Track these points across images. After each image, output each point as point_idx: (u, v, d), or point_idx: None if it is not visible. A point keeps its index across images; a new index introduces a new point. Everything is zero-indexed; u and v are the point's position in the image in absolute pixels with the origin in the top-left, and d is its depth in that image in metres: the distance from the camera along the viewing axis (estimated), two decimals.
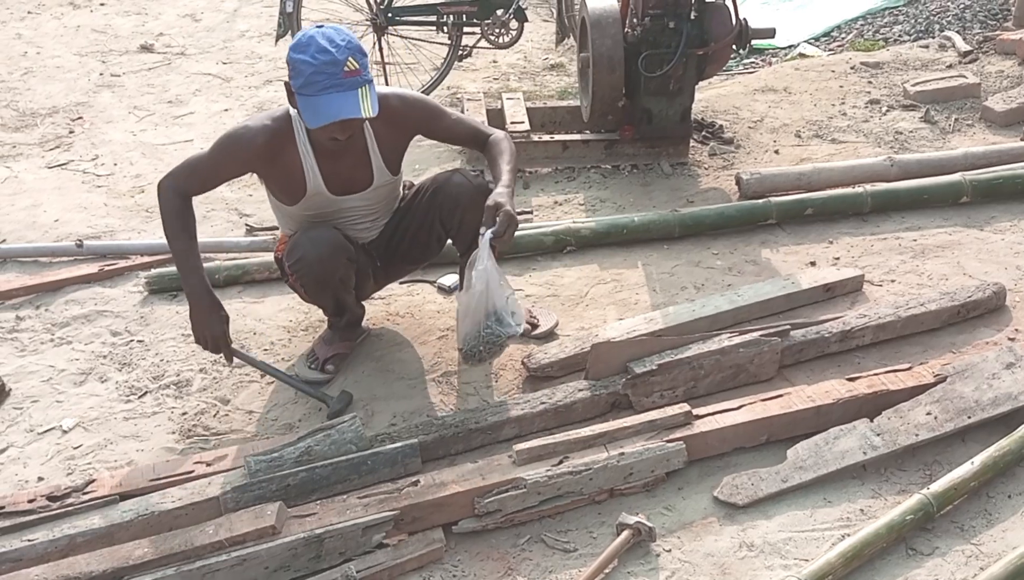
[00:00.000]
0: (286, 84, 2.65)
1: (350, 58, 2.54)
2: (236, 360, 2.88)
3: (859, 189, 3.89)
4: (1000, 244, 3.61)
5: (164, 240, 3.69)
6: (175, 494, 2.45)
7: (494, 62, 6.34)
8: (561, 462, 2.47)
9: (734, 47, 4.26)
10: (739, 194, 4.11)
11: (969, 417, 2.60)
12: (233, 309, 3.37)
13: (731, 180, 4.26)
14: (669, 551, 2.35)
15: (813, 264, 3.56)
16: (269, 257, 3.61)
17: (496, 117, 4.75)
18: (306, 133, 2.75)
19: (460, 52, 5.75)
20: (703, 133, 4.72)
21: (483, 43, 5.76)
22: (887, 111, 4.91)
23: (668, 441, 2.52)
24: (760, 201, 3.85)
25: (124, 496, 2.48)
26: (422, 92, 5.74)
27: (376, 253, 3.05)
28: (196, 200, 2.75)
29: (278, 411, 2.89)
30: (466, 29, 5.72)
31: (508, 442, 2.69)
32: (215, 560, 2.21)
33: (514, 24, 5.78)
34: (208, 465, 2.58)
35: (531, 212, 4.06)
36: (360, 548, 2.30)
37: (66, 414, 2.90)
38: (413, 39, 5.78)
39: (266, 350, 3.17)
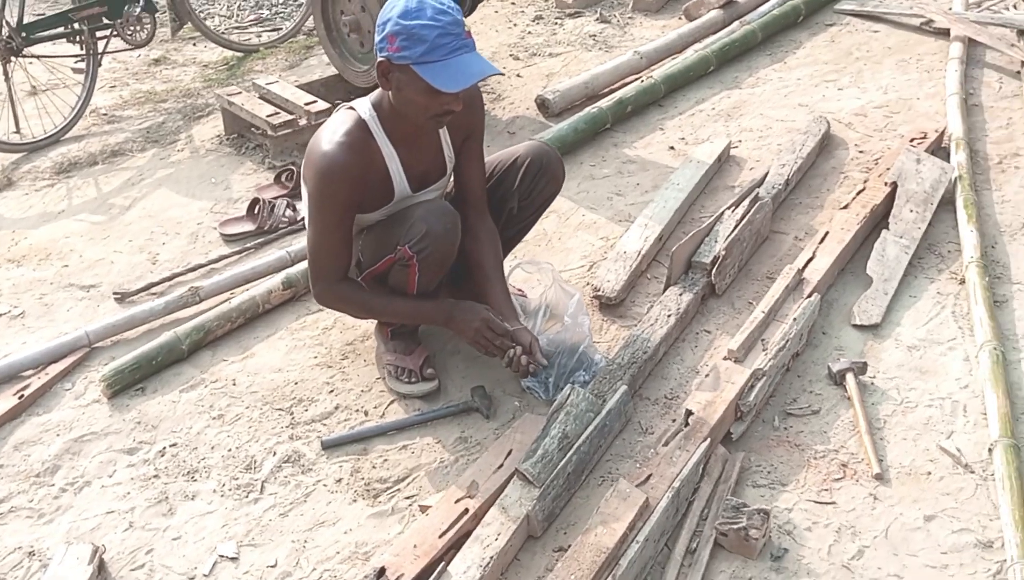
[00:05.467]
0: (380, 64, 2.33)
1: (464, 20, 2.34)
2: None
3: (652, 77, 4.39)
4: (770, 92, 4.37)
5: (49, 343, 2.97)
6: (488, 542, 2.16)
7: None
8: None
9: None
10: (547, 113, 4.37)
11: None
12: (234, 372, 2.87)
13: (522, 109, 4.49)
14: None
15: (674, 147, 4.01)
16: (214, 309, 3.04)
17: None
18: (384, 133, 2.48)
19: (99, 59, 5.03)
20: None
21: (118, 43, 5.12)
22: (562, 22, 5.46)
23: None
24: (595, 109, 4.15)
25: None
26: (74, 113, 4.92)
27: None
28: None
29: (439, 431, 2.59)
30: (100, 34, 5.02)
31: None
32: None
33: (147, 18, 5.22)
34: (469, 502, 2.29)
35: None
36: None
37: (211, 543, 2.28)
38: (51, 57, 4.90)
39: (332, 391, 2.76)
